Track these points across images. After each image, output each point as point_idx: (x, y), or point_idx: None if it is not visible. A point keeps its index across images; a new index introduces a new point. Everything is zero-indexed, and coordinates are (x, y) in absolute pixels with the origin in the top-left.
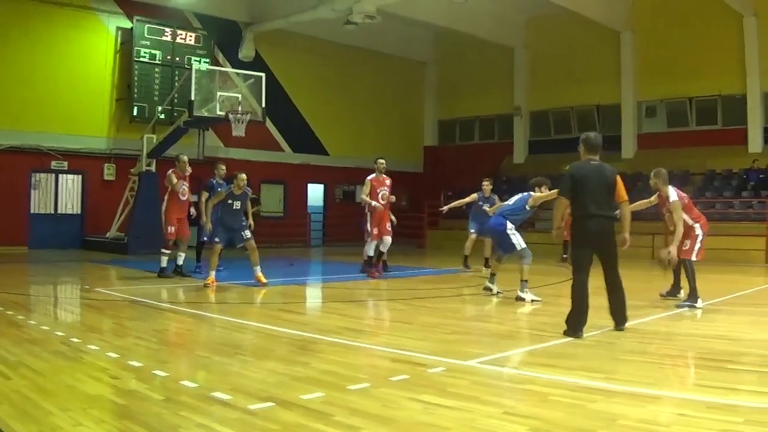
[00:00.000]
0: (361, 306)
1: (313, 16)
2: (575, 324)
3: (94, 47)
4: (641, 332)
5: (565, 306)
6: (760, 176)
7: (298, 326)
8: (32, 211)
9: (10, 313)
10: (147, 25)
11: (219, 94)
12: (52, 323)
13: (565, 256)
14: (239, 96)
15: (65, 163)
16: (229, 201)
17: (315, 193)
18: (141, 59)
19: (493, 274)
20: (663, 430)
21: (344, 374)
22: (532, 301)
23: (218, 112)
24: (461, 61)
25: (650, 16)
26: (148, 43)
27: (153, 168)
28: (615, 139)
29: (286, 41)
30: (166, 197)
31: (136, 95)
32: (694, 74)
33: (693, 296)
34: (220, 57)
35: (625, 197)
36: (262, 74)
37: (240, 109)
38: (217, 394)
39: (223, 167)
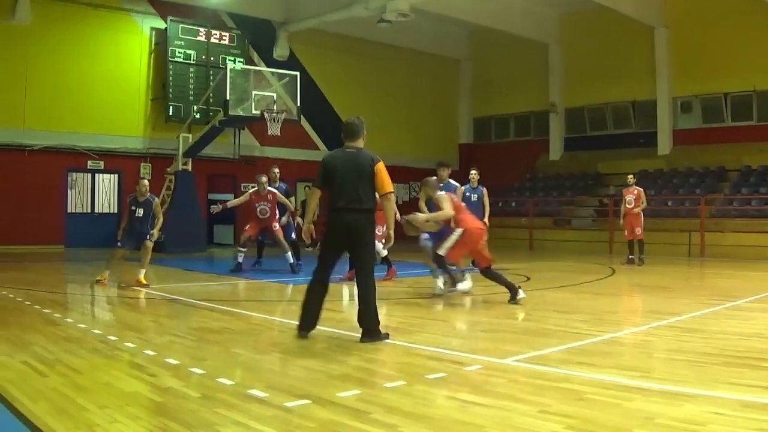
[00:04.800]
0: (397, 304)
1: (347, 15)
2: (300, 321)
3: (129, 48)
4: (677, 330)
5: (601, 303)
6: None
7: (335, 324)
8: (69, 211)
9: (47, 311)
10: (181, 26)
11: (254, 93)
12: (89, 321)
13: (631, 257)
14: (274, 95)
15: (101, 163)
16: (133, 207)
17: None
18: (176, 59)
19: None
20: (699, 429)
21: (380, 372)
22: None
23: (253, 111)
24: (495, 58)
25: (684, 12)
26: (182, 43)
27: (189, 167)
28: (651, 136)
29: (320, 40)
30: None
31: (171, 95)
32: (729, 69)
33: (451, 283)
34: (255, 56)
35: (388, 189)
36: (297, 73)
37: (275, 107)
38: (254, 392)
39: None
